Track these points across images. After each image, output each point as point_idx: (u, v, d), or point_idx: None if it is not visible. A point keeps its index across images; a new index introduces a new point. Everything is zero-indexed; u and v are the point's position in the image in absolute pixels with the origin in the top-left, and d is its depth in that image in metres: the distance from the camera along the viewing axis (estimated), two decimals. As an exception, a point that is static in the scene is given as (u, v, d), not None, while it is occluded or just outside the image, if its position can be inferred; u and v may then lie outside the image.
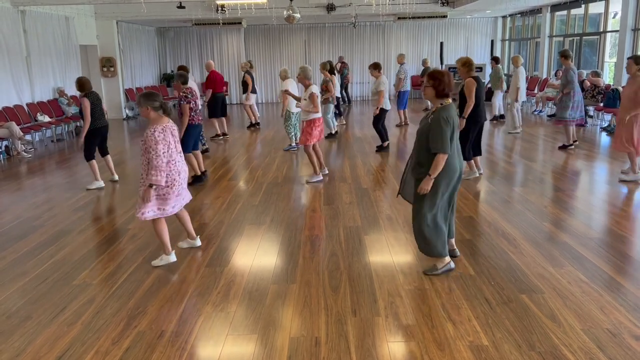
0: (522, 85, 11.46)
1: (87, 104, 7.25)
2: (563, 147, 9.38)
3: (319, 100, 7.36)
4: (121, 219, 6.16)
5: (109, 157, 7.96)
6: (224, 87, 13.86)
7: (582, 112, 9.41)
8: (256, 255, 4.94)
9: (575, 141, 9.50)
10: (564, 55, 9.05)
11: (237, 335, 3.51)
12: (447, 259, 4.35)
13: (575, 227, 5.47)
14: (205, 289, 4.21)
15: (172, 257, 4.78)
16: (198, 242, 5.15)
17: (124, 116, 16.02)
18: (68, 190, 7.51)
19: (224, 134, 11.75)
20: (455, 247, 4.65)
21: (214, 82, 11.28)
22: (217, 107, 11.35)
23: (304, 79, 7.39)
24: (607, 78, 13.60)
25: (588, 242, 5.01)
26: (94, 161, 7.59)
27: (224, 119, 11.65)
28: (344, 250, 4.95)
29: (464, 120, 7.02)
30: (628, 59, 7.13)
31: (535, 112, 14.62)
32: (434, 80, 3.99)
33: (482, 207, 6.24)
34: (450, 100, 4.08)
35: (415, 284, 4.20)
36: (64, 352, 3.35)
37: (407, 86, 12.83)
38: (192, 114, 7.30)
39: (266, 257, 4.89)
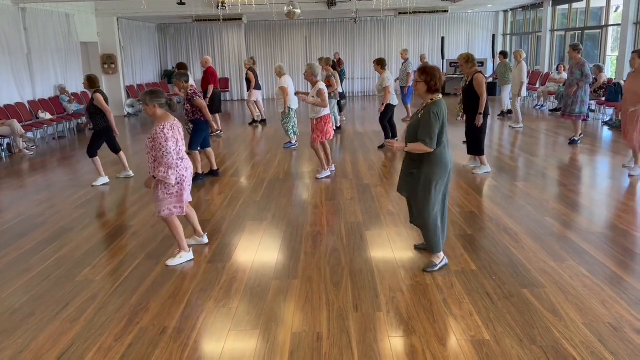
0: (525, 79, 11.40)
1: (101, 97, 7.37)
2: (573, 142, 9.32)
3: (326, 95, 7.34)
4: (123, 215, 6.17)
5: (122, 153, 7.97)
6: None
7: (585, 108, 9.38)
8: (258, 251, 4.95)
9: (581, 134, 9.49)
10: (577, 48, 8.91)
11: (240, 331, 3.53)
12: (442, 254, 4.38)
13: (577, 221, 5.47)
14: (207, 285, 4.22)
15: (190, 255, 4.74)
16: (205, 239, 5.10)
17: (125, 113, 16.02)
18: (70, 188, 7.52)
19: (220, 131, 11.71)
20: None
21: (214, 78, 11.24)
22: (215, 103, 11.29)
23: (311, 76, 7.34)
24: (609, 72, 13.56)
25: (590, 236, 5.01)
26: (97, 157, 7.62)
27: (217, 115, 11.59)
28: (346, 246, 4.96)
29: (481, 116, 7.03)
30: (633, 52, 7.10)
31: (537, 107, 14.59)
32: (426, 75, 3.96)
33: (484, 202, 6.24)
34: (440, 95, 4.07)
35: (417, 279, 4.20)
36: (67, 349, 3.37)
37: (411, 81, 12.83)
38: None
39: (268, 253, 4.90)
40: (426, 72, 3.97)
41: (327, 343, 3.33)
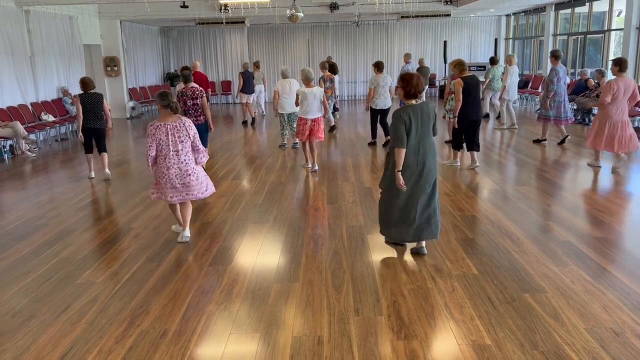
0: (514, 82, 11.76)
1: (77, 104, 7.71)
2: (537, 141, 10.01)
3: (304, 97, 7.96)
4: (124, 218, 6.18)
5: (104, 154, 8.15)
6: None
7: (561, 113, 9.59)
8: (259, 254, 4.94)
9: (567, 136, 9.77)
10: (554, 55, 9.46)
11: (240, 334, 3.52)
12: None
13: (578, 225, 5.45)
14: (208, 288, 4.22)
15: (186, 232, 5.27)
16: (187, 233, 5.28)
17: (128, 116, 16.05)
18: (72, 190, 7.53)
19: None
20: (422, 246, 4.78)
21: (200, 82, 11.07)
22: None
23: (305, 80, 8.03)
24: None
25: (591, 240, 4.99)
26: (90, 154, 8.05)
27: None
28: (347, 249, 4.95)
29: (456, 119, 7.56)
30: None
31: (538, 111, 14.55)
32: (403, 82, 4.44)
33: (485, 206, 6.23)
34: (414, 101, 4.43)
35: (418, 283, 4.20)
36: (68, 351, 3.37)
37: None
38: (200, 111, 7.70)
39: (269, 256, 4.89)
40: (402, 79, 4.45)
41: (328, 347, 3.33)
